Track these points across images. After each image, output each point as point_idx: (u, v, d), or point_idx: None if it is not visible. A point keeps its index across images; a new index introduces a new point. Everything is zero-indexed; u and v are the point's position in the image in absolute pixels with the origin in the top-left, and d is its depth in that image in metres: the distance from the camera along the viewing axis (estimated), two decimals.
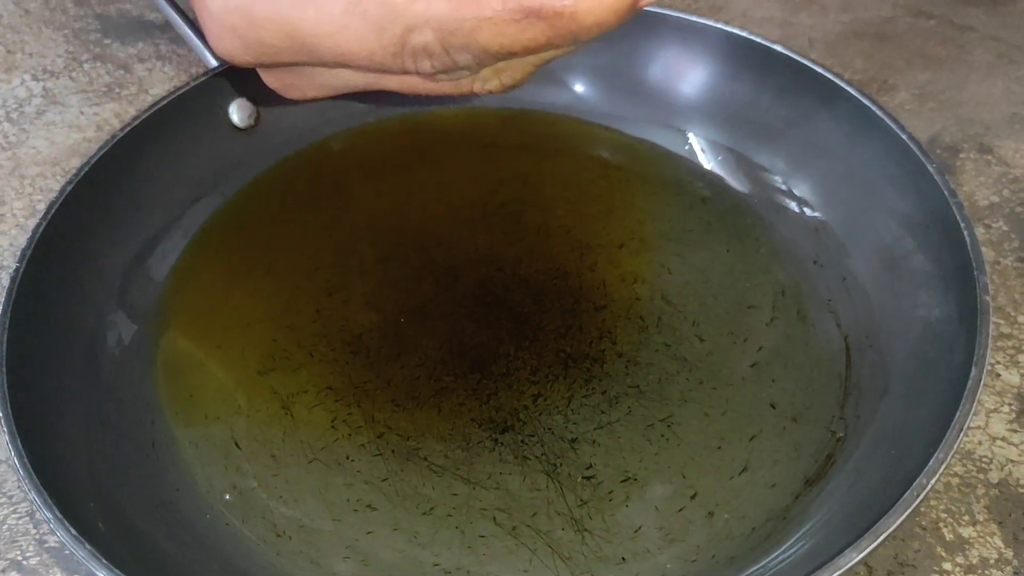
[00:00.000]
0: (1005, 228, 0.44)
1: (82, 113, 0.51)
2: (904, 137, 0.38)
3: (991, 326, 0.31)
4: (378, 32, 0.26)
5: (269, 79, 0.32)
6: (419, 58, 0.27)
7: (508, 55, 0.26)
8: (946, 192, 0.35)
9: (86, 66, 0.54)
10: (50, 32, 0.57)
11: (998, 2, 0.58)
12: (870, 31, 0.56)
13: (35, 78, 0.54)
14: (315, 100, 0.34)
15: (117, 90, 0.53)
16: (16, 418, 0.31)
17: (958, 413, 0.28)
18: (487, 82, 0.31)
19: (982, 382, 0.29)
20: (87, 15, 0.58)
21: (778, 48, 0.43)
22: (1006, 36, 0.55)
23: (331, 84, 0.31)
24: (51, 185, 0.47)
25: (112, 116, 0.51)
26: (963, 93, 0.51)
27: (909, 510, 0.27)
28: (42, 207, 0.46)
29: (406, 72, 0.28)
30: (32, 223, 0.45)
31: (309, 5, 0.27)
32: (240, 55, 0.30)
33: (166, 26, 0.56)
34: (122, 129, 0.41)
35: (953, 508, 0.35)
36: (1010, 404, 0.38)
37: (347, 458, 0.35)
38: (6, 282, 0.42)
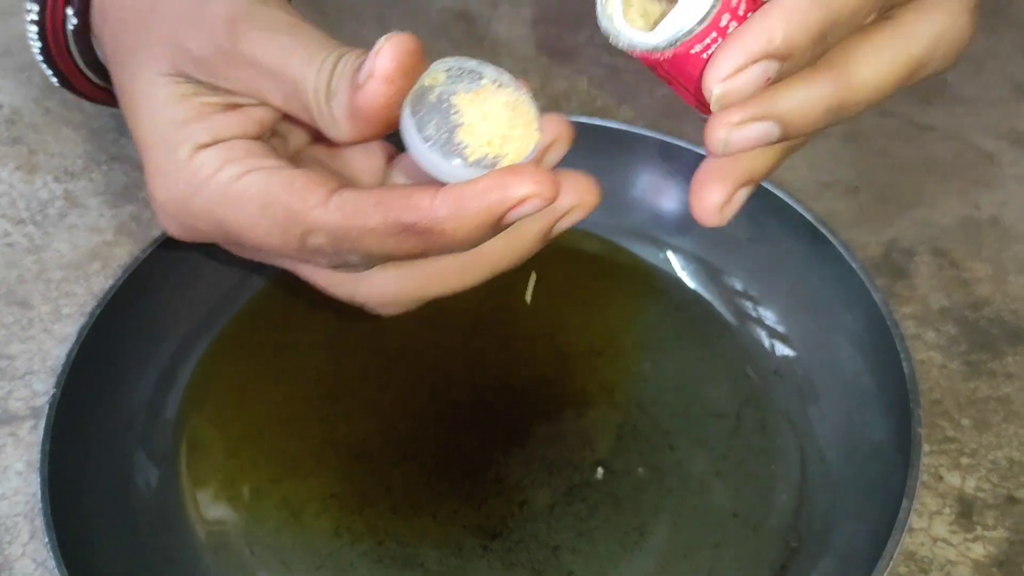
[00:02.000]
0: (954, 332, 0.48)
1: (102, 216, 0.55)
2: (854, 265, 0.42)
3: (937, 430, 0.34)
4: (283, 231, 0.31)
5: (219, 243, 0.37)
6: (316, 255, 0.32)
7: (391, 259, 0.31)
8: (889, 323, 0.39)
9: (104, 167, 0.58)
10: (69, 132, 0.61)
11: (957, 101, 0.62)
12: (837, 131, 0.60)
13: (56, 180, 0.58)
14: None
15: (134, 191, 0.57)
16: (58, 532, 0.36)
17: (888, 543, 0.32)
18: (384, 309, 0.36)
19: (912, 512, 0.33)
20: (103, 113, 0.62)
21: None
22: (962, 135, 0.59)
23: (264, 259, 0.36)
24: (75, 290, 0.51)
25: (129, 219, 0.55)
26: (921, 195, 0.55)
27: None
28: (67, 311, 0.50)
29: (307, 262, 0.32)
30: (58, 328, 0.49)
31: (231, 204, 0.31)
32: (182, 236, 0.35)
33: None
34: (144, 251, 0.45)
35: None
36: (951, 506, 0.42)
37: (351, 564, 0.39)
38: (37, 387, 0.46)
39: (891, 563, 0.33)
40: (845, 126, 0.59)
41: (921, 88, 0.63)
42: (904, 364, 0.38)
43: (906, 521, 0.33)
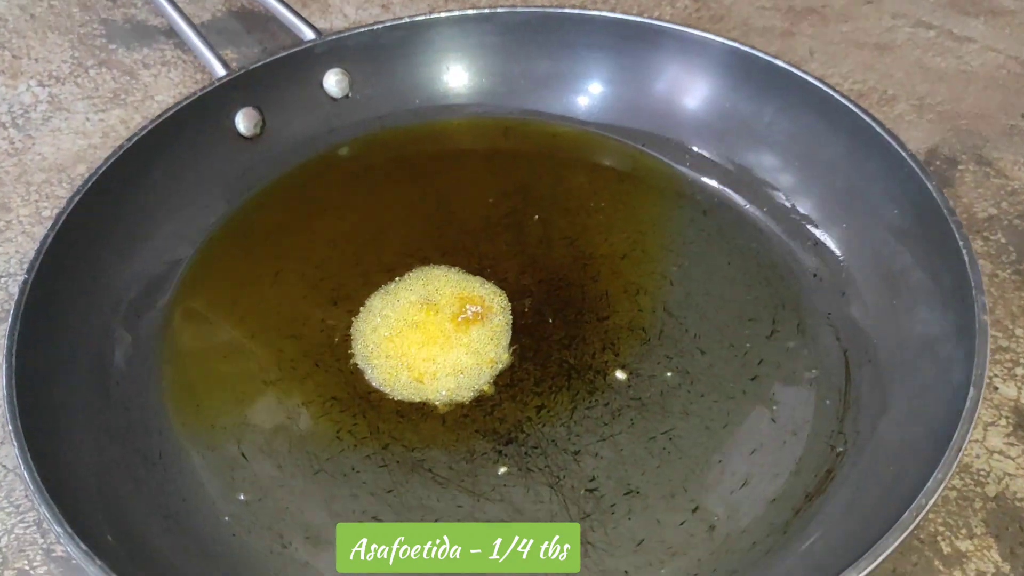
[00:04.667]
0: (1003, 240, 0.45)
1: (88, 120, 0.52)
2: (904, 154, 0.38)
3: (989, 342, 0.31)
4: None
5: None
6: None
7: None
8: (945, 210, 0.36)
9: (92, 72, 0.55)
10: (55, 37, 0.57)
11: (997, 13, 0.58)
12: (870, 41, 0.56)
13: (41, 84, 0.54)
14: None
15: (123, 96, 0.53)
16: (25, 429, 0.32)
17: (956, 435, 0.29)
18: None
19: (980, 403, 0.30)
20: (92, 20, 0.59)
21: (779, 63, 0.43)
22: (1004, 47, 0.56)
23: None
24: (57, 192, 0.48)
25: (118, 123, 0.51)
26: (961, 105, 0.52)
27: (907, 531, 0.27)
28: (48, 214, 0.47)
29: None
30: (39, 231, 0.46)
31: None
32: None
33: (171, 31, 0.56)
34: (129, 139, 0.41)
35: (951, 522, 0.35)
36: (1007, 417, 0.38)
37: (352, 469, 0.36)
38: (12, 289, 0.43)
39: (958, 458, 0.29)
40: (877, 37, 0.56)
41: (959, 0, 0.59)
42: (964, 251, 0.34)
43: (975, 412, 0.30)
